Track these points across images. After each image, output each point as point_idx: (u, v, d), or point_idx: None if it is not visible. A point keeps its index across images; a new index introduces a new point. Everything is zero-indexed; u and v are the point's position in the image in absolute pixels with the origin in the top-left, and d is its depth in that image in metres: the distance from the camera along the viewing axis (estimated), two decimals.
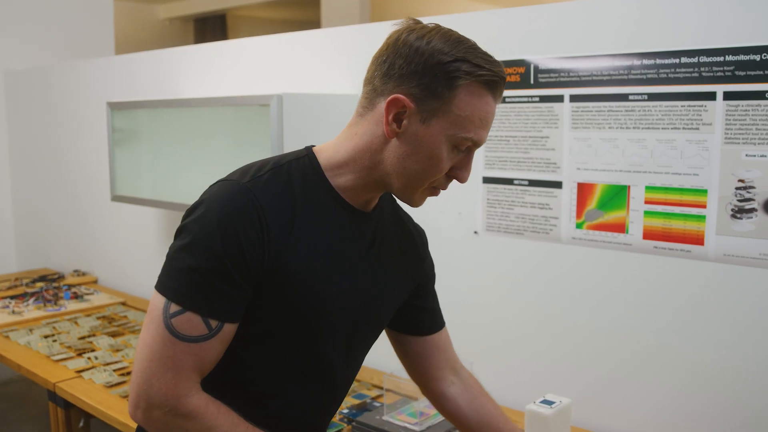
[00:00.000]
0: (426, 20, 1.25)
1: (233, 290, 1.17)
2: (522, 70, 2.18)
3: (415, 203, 1.28)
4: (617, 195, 2.04)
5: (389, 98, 1.18)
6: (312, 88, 2.79)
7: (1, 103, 4.61)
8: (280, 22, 10.22)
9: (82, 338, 3.00)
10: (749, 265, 1.84)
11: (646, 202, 1.99)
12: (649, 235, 2.00)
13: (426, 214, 1.72)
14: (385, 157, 1.22)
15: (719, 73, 1.85)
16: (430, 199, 1.38)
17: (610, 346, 2.12)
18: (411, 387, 2.11)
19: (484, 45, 1.21)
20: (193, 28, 10.67)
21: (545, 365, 2.26)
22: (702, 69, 1.87)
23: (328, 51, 2.77)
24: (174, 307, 1.16)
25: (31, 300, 3.54)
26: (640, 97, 1.98)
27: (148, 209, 3.58)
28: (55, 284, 3.89)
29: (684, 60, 1.90)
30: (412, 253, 1.46)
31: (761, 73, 1.79)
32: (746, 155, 1.82)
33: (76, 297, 3.66)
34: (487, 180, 2.30)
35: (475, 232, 2.36)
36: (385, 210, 1.39)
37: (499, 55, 1.30)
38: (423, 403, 1.96)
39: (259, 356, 1.27)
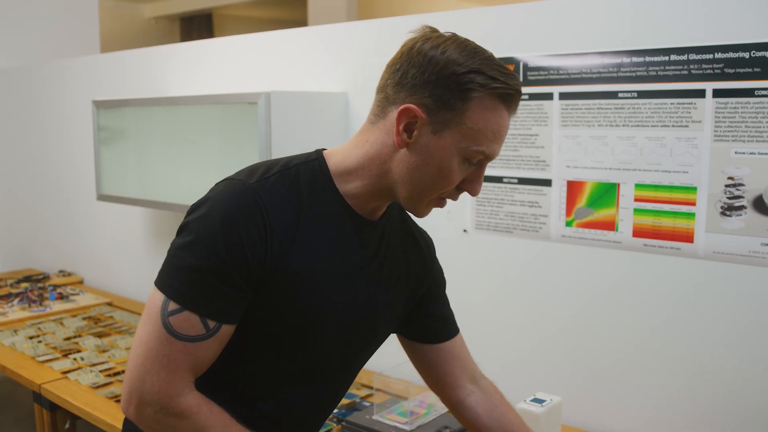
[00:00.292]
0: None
1: (233, 291, 1.16)
2: (511, 67, 2.17)
3: (421, 214, 1.26)
4: (607, 193, 2.04)
5: (401, 108, 1.16)
6: (300, 86, 2.77)
7: None
8: (267, 21, 10.19)
9: (68, 339, 2.97)
10: (739, 263, 1.85)
11: (636, 200, 1.99)
12: (638, 232, 1.99)
13: None
14: (393, 167, 1.21)
15: (708, 71, 1.85)
16: None
17: (600, 344, 2.11)
18: (401, 386, 2.10)
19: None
20: (179, 27, 10.62)
21: (535, 363, 2.25)
22: (691, 66, 1.87)
23: (317, 49, 2.76)
24: (172, 306, 1.14)
25: (16, 301, 3.51)
26: (629, 95, 1.97)
27: (135, 208, 3.56)
28: (40, 285, 3.85)
29: (673, 57, 1.90)
30: (418, 261, 1.44)
31: (750, 70, 1.79)
32: (735, 153, 1.82)
33: (62, 297, 3.62)
34: None
35: (465, 231, 2.35)
36: (393, 218, 1.37)
37: None
38: (413, 403, 1.95)
39: (255, 358, 1.26)
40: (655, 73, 1.93)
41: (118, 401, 2.35)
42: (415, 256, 1.43)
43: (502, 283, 2.30)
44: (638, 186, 1.98)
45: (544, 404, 1.83)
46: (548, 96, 2.11)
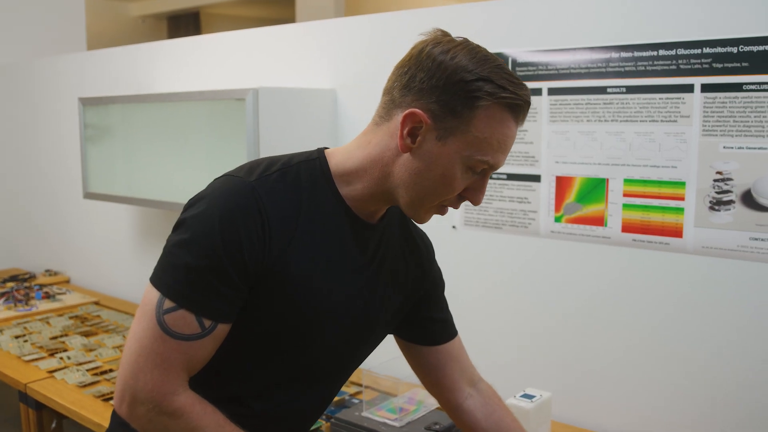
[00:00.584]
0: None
1: (229, 290, 1.15)
2: None
3: (421, 220, 1.25)
4: (596, 188, 2.04)
5: (406, 112, 1.15)
6: (289, 82, 2.76)
7: None
8: (255, 20, 10.15)
9: (54, 338, 2.94)
10: (727, 257, 1.85)
11: (625, 195, 1.99)
12: (627, 228, 1.99)
13: None
14: (395, 171, 1.19)
15: (697, 66, 1.85)
16: None
17: (589, 339, 2.11)
18: (390, 383, 2.09)
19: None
20: (166, 26, 10.57)
21: (525, 359, 2.25)
22: (680, 61, 1.87)
23: (305, 45, 2.75)
24: (168, 304, 1.13)
25: (1, 300, 3.47)
26: (618, 90, 1.97)
27: (122, 207, 3.53)
28: (26, 284, 3.82)
29: (662, 52, 1.90)
30: (417, 263, 1.43)
31: (738, 65, 1.79)
32: (724, 147, 1.83)
33: (48, 297, 3.59)
34: None
35: (454, 227, 2.35)
36: (393, 220, 1.36)
37: None
38: (402, 399, 1.94)
39: (251, 357, 1.24)
40: (643, 68, 1.93)
41: (105, 400, 2.33)
42: (414, 258, 1.42)
43: (492, 279, 2.29)
44: (627, 181, 1.98)
45: (533, 400, 1.83)
46: (537, 92, 2.11)
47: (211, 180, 1.23)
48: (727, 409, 1.90)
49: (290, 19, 8.30)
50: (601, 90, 2.00)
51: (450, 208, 1.25)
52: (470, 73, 1.11)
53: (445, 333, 1.49)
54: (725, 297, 1.87)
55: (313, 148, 1.30)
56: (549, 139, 2.11)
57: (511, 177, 2.19)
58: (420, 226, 1.46)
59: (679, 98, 1.88)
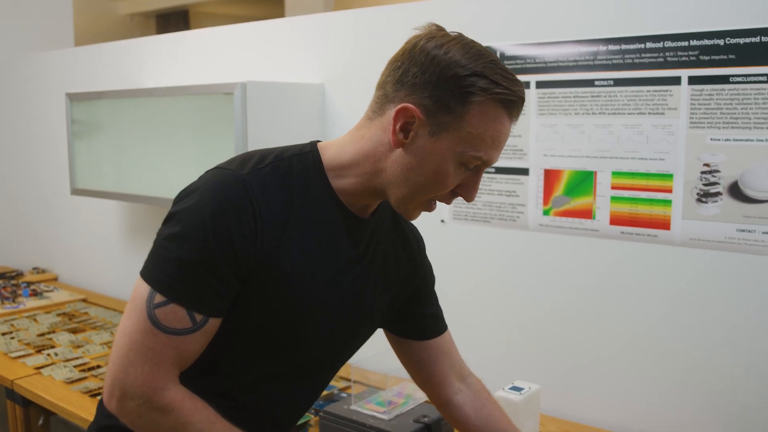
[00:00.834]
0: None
1: (221, 284, 1.13)
2: None
3: (410, 216, 1.24)
4: (584, 181, 2.04)
5: (398, 107, 1.13)
6: (277, 77, 2.75)
7: None
8: (244, 18, 10.08)
9: (41, 335, 2.92)
10: (715, 249, 1.85)
11: (613, 188, 1.99)
12: (615, 220, 2.00)
13: None
14: (388, 166, 1.18)
15: (684, 58, 1.85)
16: None
17: (578, 332, 2.11)
18: (378, 377, 2.09)
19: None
20: (155, 24, 10.54)
21: (514, 353, 2.25)
22: (667, 54, 1.88)
23: (294, 40, 2.74)
24: (159, 298, 1.12)
25: None
26: (605, 83, 1.98)
27: (110, 203, 3.51)
28: (13, 281, 3.79)
29: (649, 45, 1.90)
30: (408, 258, 1.42)
31: (725, 57, 1.80)
32: (711, 139, 1.83)
33: (35, 294, 3.57)
34: None
35: (442, 221, 2.34)
36: (384, 215, 1.36)
37: None
38: (391, 392, 1.93)
39: (243, 351, 1.23)
40: (631, 60, 1.93)
41: (92, 396, 2.32)
42: (405, 253, 1.42)
43: (480, 272, 2.29)
44: (615, 174, 1.99)
45: (522, 392, 1.83)
46: (525, 85, 2.09)
47: (200, 174, 1.22)
48: (716, 400, 1.91)
49: (279, 17, 8.28)
50: (589, 83, 2.00)
51: (438, 203, 1.24)
52: (464, 68, 1.10)
53: (435, 328, 1.49)
54: (713, 289, 1.88)
55: (302, 142, 1.29)
56: (537, 133, 2.11)
57: (500, 170, 2.19)
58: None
59: (667, 90, 1.88)
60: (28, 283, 3.76)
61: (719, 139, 1.82)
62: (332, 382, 2.35)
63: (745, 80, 1.77)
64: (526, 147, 2.13)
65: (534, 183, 2.13)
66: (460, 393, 1.50)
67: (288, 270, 1.18)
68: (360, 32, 2.53)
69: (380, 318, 1.40)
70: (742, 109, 1.78)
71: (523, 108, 2.08)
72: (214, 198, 1.13)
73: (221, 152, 2.42)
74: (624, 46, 1.94)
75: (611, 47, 1.96)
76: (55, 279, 4.00)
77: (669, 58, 1.87)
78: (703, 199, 1.85)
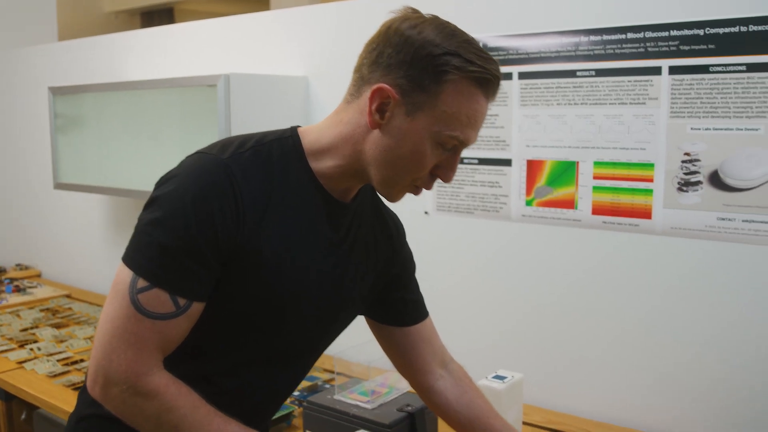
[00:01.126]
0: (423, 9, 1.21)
1: (203, 268, 1.13)
2: None
3: (393, 199, 1.24)
4: (566, 171, 2.05)
5: (374, 87, 1.14)
6: (261, 70, 2.75)
7: None
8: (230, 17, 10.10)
9: (24, 330, 2.91)
10: (695, 237, 1.87)
11: (595, 178, 2.00)
12: (597, 210, 2.01)
13: None
14: (366, 148, 1.19)
15: (664, 48, 1.87)
16: None
17: (563, 322, 2.12)
18: (362, 369, 2.09)
19: None
20: (139, 21, 10.48)
21: (498, 344, 2.26)
22: (647, 44, 1.89)
23: (277, 33, 2.74)
24: (141, 283, 1.11)
25: None
26: (587, 73, 1.99)
27: (94, 197, 3.50)
28: None
29: (630, 35, 1.91)
30: (388, 244, 1.43)
31: (705, 47, 1.81)
32: (691, 128, 1.84)
33: (19, 290, 3.55)
34: None
35: (426, 213, 2.35)
36: (365, 200, 1.36)
37: None
38: (375, 382, 1.94)
39: (222, 335, 1.23)
40: (612, 51, 1.94)
41: (75, 389, 2.31)
42: (385, 239, 1.42)
43: (464, 263, 2.30)
44: (597, 164, 2.00)
45: (505, 381, 1.84)
46: (508, 76, 2.12)
47: None
48: (700, 391, 1.92)
49: None
50: (571, 73, 2.01)
51: (424, 191, 1.24)
52: (438, 47, 1.11)
53: (416, 313, 1.50)
54: (693, 276, 1.89)
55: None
56: (520, 123, 2.12)
57: (483, 161, 2.20)
58: (393, 209, 1.47)
59: (648, 80, 1.89)
60: (11, 280, 3.74)
61: (699, 129, 1.83)
62: (316, 374, 2.36)
63: (724, 70, 1.79)
64: (509, 138, 2.14)
65: (517, 174, 2.14)
66: (441, 379, 1.50)
67: (268, 254, 1.18)
68: (343, 25, 2.53)
69: (361, 302, 1.41)
70: (721, 98, 1.79)
71: (506, 99, 2.10)
72: (196, 183, 1.13)
73: (205, 144, 2.40)
74: (605, 37, 1.95)
75: (593, 38, 1.97)
76: (39, 275, 3.98)
77: (650, 49, 1.89)
78: (684, 188, 1.87)
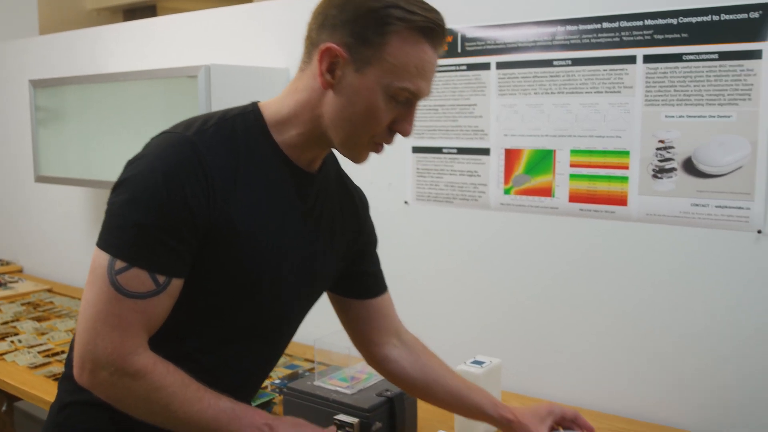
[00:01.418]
0: None
1: (179, 245, 1.14)
2: (449, 39, 2.20)
3: (358, 159, 1.25)
4: (543, 159, 2.07)
5: (321, 48, 1.16)
6: (243, 62, 2.76)
7: None
8: None
9: (5, 323, 2.90)
10: (670, 224, 1.90)
11: (572, 166, 2.03)
12: (574, 197, 2.03)
13: None
14: (324, 111, 1.20)
15: (639, 37, 1.89)
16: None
17: (543, 310, 2.15)
18: (342, 357, 2.10)
19: None
20: (122, 18, 10.43)
21: (477, 331, 2.28)
22: (622, 33, 1.92)
23: (258, 25, 2.75)
24: (119, 264, 1.12)
25: None
26: (564, 63, 2.01)
27: (76, 190, 3.49)
28: None
29: (605, 25, 1.94)
30: (354, 216, 1.45)
31: (678, 36, 1.84)
32: (666, 116, 1.87)
33: None
34: (416, 149, 2.31)
35: (406, 203, 2.37)
36: (329, 172, 1.38)
37: None
38: (354, 369, 1.95)
39: (199, 313, 1.24)
40: (588, 40, 1.97)
41: (56, 380, 2.30)
42: (350, 211, 1.44)
43: (444, 252, 2.32)
44: (573, 152, 2.02)
45: (483, 366, 1.86)
46: (485, 66, 2.14)
47: None
48: (681, 372, 1.95)
49: None
50: (548, 63, 2.03)
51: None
52: (378, 1, 1.14)
53: (375, 287, 1.53)
54: (668, 261, 1.92)
55: None
56: (498, 113, 2.14)
57: (461, 151, 2.22)
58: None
59: (623, 69, 1.92)
60: None
61: (673, 116, 1.86)
62: (297, 362, 2.37)
63: (697, 58, 1.82)
64: (487, 127, 2.16)
65: (495, 163, 2.16)
66: (395, 348, 1.54)
67: (238, 229, 1.19)
68: None
69: (330, 274, 1.43)
70: (694, 86, 1.82)
71: (484, 89, 2.12)
72: (165, 161, 1.15)
73: None
74: (581, 27, 1.97)
75: (569, 27, 1.99)
76: (20, 271, 3.96)
77: (625, 38, 1.91)
78: (659, 175, 1.90)
